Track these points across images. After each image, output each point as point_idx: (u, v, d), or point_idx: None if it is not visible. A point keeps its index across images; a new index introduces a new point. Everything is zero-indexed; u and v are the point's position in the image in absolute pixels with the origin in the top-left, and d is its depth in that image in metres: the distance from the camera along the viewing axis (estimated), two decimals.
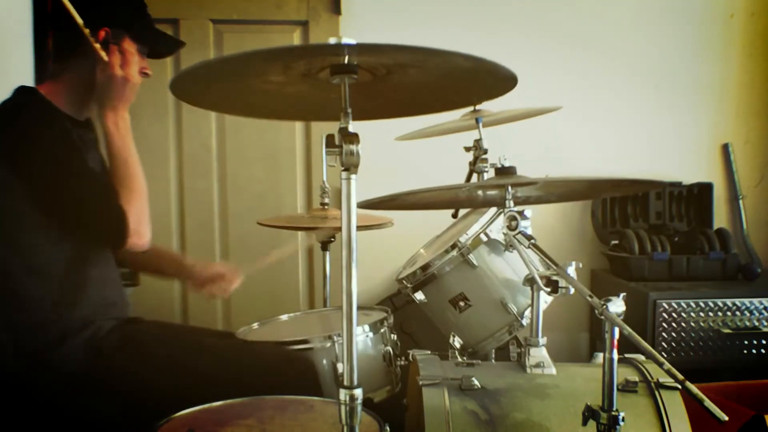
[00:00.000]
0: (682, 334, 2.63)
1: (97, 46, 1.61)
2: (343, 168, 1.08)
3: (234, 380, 1.64)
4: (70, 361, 1.59)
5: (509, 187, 1.57)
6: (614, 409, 1.18)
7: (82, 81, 1.67)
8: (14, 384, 1.58)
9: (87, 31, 1.60)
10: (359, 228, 1.11)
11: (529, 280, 1.54)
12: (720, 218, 3.19)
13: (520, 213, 1.55)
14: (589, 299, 1.25)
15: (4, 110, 1.59)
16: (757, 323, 2.64)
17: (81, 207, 1.58)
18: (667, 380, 1.48)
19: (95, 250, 1.69)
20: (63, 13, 1.61)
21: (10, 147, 1.56)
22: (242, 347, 1.82)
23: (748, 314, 2.64)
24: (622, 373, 1.49)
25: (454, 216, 2.18)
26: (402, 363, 1.89)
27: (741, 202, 3.19)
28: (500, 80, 1.14)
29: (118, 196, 1.58)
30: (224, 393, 1.48)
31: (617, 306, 1.19)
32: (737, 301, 2.64)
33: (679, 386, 1.16)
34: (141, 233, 1.60)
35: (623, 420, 1.18)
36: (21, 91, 1.65)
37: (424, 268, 1.84)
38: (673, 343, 2.63)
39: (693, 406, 1.17)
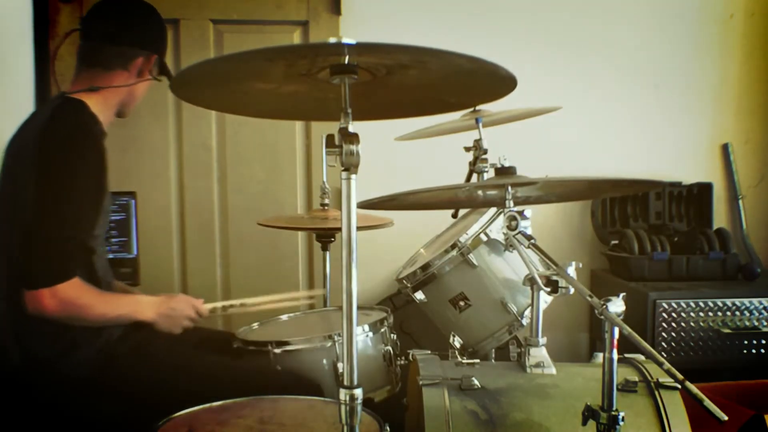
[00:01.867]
0: (682, 334, 2.63)
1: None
2: (343, 168, 1.08)
3: (235, 379, 1.64)
4: (81, 367, 1.59)
5: (509, 187, 1.57)
6: (614, 408, 1.18)
7: (118, 98, 1.73)
8: (20, 385, 1.59)
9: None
10: (359, 228, 1.11)
11: (529, 280, 1.54)
12: (720, 218, 3.18)
13: (520, 213, 1.55)
14: (589, 299, 1.25)
15: (59, 119, 1.60)
16: (757, 323, 2.64)
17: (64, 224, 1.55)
18: (666, 380, 1.48)
19: (98, 261, 1.68)
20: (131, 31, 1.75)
21: (48, 158, 1.56)
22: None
23: (748, 314, 2.64)
24: (622, 373, 1.49)
25: (454, 216, 2.18)
26: (402, 363, 1.89)
27: (741, 202, 3.19)
28: (500, 82, 1.14)
29: (93, 250, 1.58)
30: (225, 392, 1.48)
31: (617, 306, 1.19)
32: (737, 301, 2.64)
33: (679, 386, 1.16)
34: (59, 303, 1.50)
35: (623, 420, 1.18)
36: (73, 103, 1.64)
37: (424, 267, 1.84)
38: (673, 343, 2.63)
39: (693, 406, 1.17)
